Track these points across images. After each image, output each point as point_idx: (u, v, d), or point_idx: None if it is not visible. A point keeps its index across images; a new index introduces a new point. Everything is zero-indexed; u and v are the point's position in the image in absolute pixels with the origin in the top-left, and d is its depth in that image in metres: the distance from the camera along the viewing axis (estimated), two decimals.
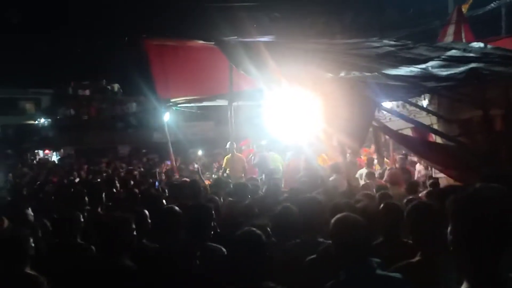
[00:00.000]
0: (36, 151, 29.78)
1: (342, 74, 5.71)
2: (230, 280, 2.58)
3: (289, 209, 3.82)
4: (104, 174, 13.93)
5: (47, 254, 3.76)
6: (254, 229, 2.76)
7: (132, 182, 9.12)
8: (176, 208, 3.67)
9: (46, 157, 28.51)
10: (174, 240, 3.50)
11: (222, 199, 5.82)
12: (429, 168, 8.86)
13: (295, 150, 10.07)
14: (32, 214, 4.30)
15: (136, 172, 14.03)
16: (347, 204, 4.04)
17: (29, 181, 12.75)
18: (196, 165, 13.29)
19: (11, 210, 4.36)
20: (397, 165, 9.28)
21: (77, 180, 12.73)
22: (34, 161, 25.94)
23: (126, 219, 3.38)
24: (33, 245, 3.23)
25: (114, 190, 6.78)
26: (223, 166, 10.87)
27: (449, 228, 1.66)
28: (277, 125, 9.47)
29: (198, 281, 2.99)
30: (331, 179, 7.47)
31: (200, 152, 18.07)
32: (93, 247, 3.79)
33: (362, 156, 9.95)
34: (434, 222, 2.67)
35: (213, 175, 11.92)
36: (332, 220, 2.56)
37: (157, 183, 10.39)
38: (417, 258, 2.80)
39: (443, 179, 6.85)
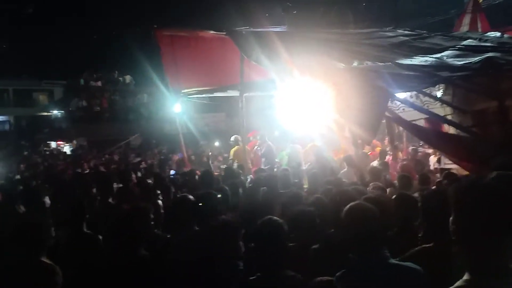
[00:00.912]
0: (48, 142, 30.10)
1: (355, 64, 5.65)
2: (250, 269, 2.60)
3: (321, 200, 3.84)
4: (113, 167, 13.97)
5: (63, 243, 3.76)
6: (275, 218, 2.76)
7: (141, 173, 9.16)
8: (190, 197, 3.66)
9: (58, 148, 28.79)
10: (187, 229, 3.49)
11: (241, 190, 5.80)
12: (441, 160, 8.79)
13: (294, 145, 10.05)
14: (49, 202, 4.31)
15: (144, 163, 14.09)
16: (358, 191, 4.01)
17: (42, 171, 12.88)
18: (220, 158, 13.35)
19: (29, 197, 4.36)
20: (409, 157, 9.17)
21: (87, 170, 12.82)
22: (47, 152, 26.22)
23: (146, 209, 3.39)
24: (53, 234, 3.20)
25: (126, 181, 6.80)
26: (230, 158, 10.89)
27: (451, 218, 1.62)
28: (289, 116, 9.42)
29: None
30: (342, 172, 7.43)
31: (217, 143, 18.02)
32: (100, 237, 3.78)
33: (376, 148, 9.86)
34: (447, 210, 2.62)
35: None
36: (344, 209, 2.51)
37: (172, 172, 10.40)
38: (431, 244, 2.76)
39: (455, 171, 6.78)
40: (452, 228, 1.61)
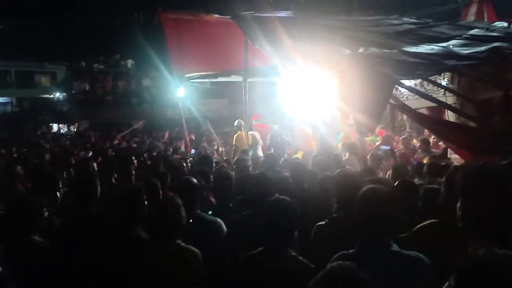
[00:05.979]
0: (50, 124, 30.10)
1: (360, 50, 5.60)
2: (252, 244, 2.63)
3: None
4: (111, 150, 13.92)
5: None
6: (289, 199, 2.77)
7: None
8: (194, 179, 3.66)
9: (61, 131, 28.81)
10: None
11: None
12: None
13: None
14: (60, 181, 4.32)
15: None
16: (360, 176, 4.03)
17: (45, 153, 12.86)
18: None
19: (41, 176, 4.35)
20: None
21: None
22: (49, 135, 26.23)
23: (137, 188, 3.38)
24: (46, 213, 3.21)
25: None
26: (233, 143, 10.90)
27: (458, 204, 1.60)
28: (292, 103, 9.38)
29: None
30: (344, 158, 7.42)
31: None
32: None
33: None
34: None
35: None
36: (360, 192, 2.44)
37: (193, 151, 10.39)
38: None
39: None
40: (459, 214, 1.59)
